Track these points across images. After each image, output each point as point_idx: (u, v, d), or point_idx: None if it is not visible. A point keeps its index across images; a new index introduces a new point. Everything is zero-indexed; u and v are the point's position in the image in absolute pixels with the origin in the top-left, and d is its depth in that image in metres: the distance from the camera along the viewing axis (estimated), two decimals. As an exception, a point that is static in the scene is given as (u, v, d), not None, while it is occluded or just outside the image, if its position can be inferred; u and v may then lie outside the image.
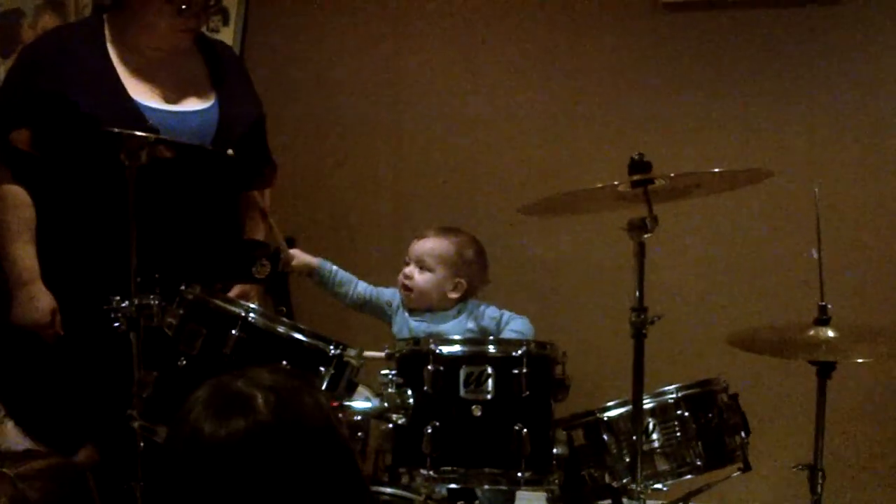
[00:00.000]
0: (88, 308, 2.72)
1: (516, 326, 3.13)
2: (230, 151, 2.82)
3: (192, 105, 2.97)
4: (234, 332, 2.49)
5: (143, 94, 2.90)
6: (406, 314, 3.23)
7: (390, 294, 3.30)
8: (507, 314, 3.18)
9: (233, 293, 2.96)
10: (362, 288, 3.31)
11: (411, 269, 3.19)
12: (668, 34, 4.12)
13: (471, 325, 3.14)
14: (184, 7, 2.83)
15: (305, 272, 3.30)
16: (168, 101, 2.94)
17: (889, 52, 3.95)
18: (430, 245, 3.21)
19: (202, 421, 1.66)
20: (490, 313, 3.17)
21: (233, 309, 2.54)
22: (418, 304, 3.21)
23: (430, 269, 3.18)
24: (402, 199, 4.32)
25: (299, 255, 3.28)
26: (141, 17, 2.88)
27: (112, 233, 2.72)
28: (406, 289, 3.20)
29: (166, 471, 1.72)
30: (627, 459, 2.68)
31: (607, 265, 4.05)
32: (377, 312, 3.31)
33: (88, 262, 2.90)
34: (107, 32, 2.92)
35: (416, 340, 2.69)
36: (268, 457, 1.65)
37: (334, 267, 3.32)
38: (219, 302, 2.57)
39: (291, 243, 3.89)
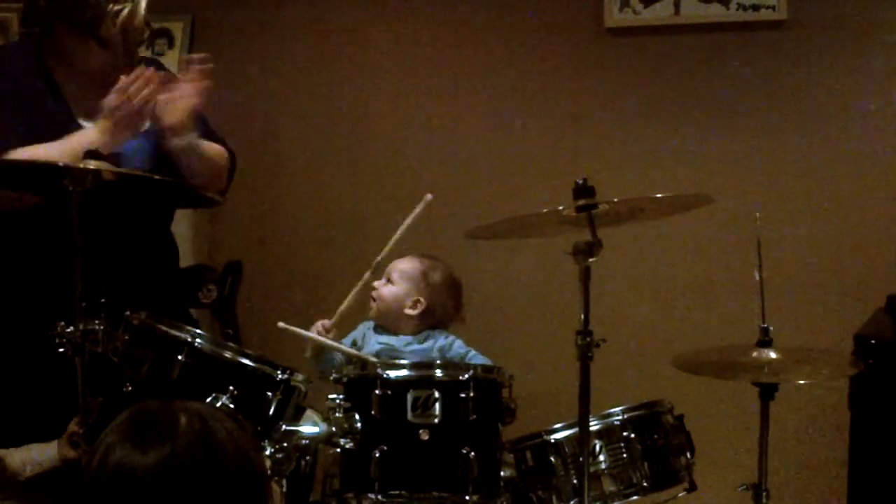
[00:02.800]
0: (33, 333, 2.69)
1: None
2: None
3: None
4: (180, 357, 2.49)
5: (86, 120, 2.87)
6: (373, 335, 3.20)
7: (355, 334, 3.24)
8: (472, 353, 3.17)
9: None
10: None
11: (380, 283, 3.20)
12: (612, 58, 4.17)
13: (435, 354, 3.13)
14: (115, 47, 2.80)
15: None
16: None
17: (831, 77, 4.02)
18: (401, 263, 3.22)
19: (120, 444, 1.65)
20: (457, 347, 3.16)
21: (179, 334, 2.53)
22: (379, 316, 3.20)
23: (394, 284, 3.19)
24: (350, 226, 4.31)
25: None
26: (71, 52, 2.84)
27: (57, 257, 2.69)
28: (373, 299, 3.21)
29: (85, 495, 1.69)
30: (575, 481, 2.69)
31: (553, 289, 4.08)
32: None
33: (33, 287, 2.87)
34: (46, 61, 2.88)
35: (363, 365, 2.69)
36: (186, 480, 1.64)
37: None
38: (165, 327, 2.55)
39: (237, 268, 3.87)
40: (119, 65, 2.85)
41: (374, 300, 3.21)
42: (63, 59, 2.86)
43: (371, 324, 3.24)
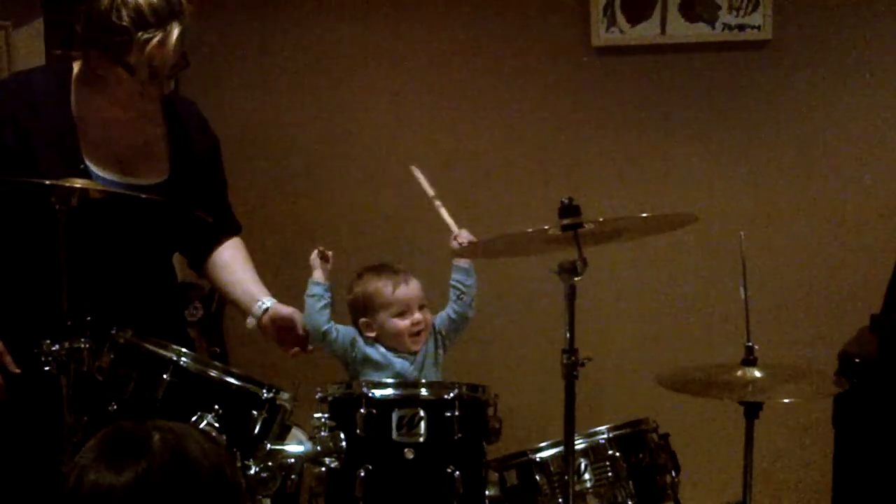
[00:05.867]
0: (18, 351, 2.69)
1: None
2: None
3: (144, 178, 2.89)
4: (165, 376, 2.49)
5: (97, 161, 2.82)
6: (390, 356, 3.07)
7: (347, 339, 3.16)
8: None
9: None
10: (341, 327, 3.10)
11: (420, 315, 3.05)
12: (599, 77, 4.18)
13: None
14: (141, 75, 2.75)
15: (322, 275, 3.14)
16: (121, 171, 2.85)
17: (816, 96, 4.04)
18: (415, 288, 3.07)
19: (94, 465, 1.65)
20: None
21: (164, 353, 2.53)
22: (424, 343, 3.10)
23: (426, 307, 3.08)
24: (347, 240, 4.30)
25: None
26: (102, 79, 2.78)
27: (43, 275, 2.69)
28: (417, 334, 3.04)
29: None
30: (560, 500, 2.70)
31: (538, 307, 4.08)
32: (338, 352, 3.11)
33: (18, 305, 2.86)
34: (72, 87, 2.83)
35: (347, 384, 2.69)
36: (162, 497, 1.64)
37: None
38: (150, 346, 2.55)
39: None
40: (148, 95, 2.80)
41: (420, 332, 3.04)
42: (94, 87, 2.82)
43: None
